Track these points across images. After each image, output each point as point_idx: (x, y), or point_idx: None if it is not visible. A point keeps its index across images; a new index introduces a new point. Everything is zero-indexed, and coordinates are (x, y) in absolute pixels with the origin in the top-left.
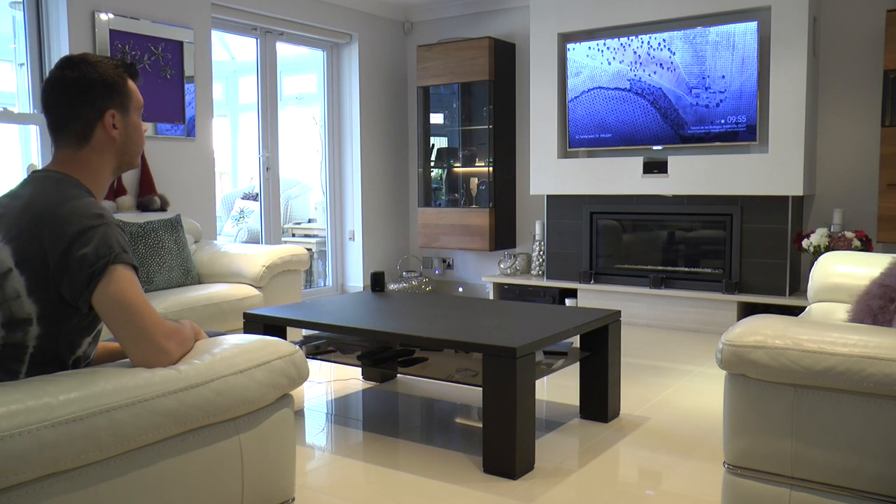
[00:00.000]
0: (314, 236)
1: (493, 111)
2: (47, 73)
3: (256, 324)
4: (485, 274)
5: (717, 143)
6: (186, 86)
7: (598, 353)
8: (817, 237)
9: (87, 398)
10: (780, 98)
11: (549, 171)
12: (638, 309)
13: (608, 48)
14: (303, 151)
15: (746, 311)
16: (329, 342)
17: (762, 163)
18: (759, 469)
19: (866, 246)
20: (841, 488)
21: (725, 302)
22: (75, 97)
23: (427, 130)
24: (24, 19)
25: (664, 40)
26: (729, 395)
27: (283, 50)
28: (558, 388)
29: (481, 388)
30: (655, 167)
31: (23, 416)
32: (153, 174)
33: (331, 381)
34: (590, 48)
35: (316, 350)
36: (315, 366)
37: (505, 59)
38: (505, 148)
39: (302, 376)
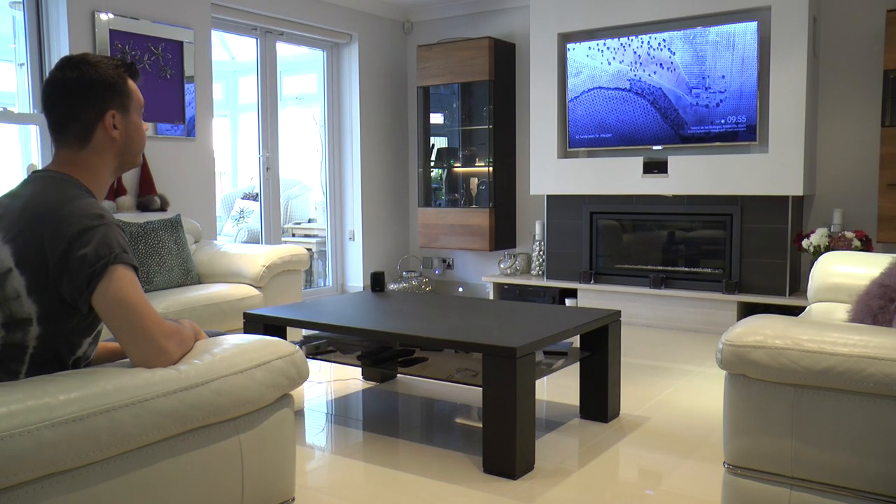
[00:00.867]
0: (314, 236)
1: (493, 111)
2: (47, 74)
3: (256, 324)
4: (485, 274)
5: (717, 143)
6: (186, 86)
7: (598, 353)
8: (817, 237)
9: (87, 398)
10: (780, 98)
11: (549, 171)
12: (638, 309)
13: (608, 48)
14: (303, 151)
15: (746, 311)
16: (329, 342)
17: (762, 163)
18: (759, 469)
19: (866, 246)
20: (841, 488)
21: (725, 302)
22: (75, 98)
23: (427, 130)
24: (24, 19)
25: (664, 40)
26: (729, 395)
27: (283, 50)
28: (558, 388)
29: (481, 388)
30: (655, 167)
31: (23, 416)
32: (153, 174)
33: (331, 381)
34: (590, 48)
35: (316, 350)
36: (315, 366)
37: (505, 59)
38: (505, 148)
39: (302, 376)
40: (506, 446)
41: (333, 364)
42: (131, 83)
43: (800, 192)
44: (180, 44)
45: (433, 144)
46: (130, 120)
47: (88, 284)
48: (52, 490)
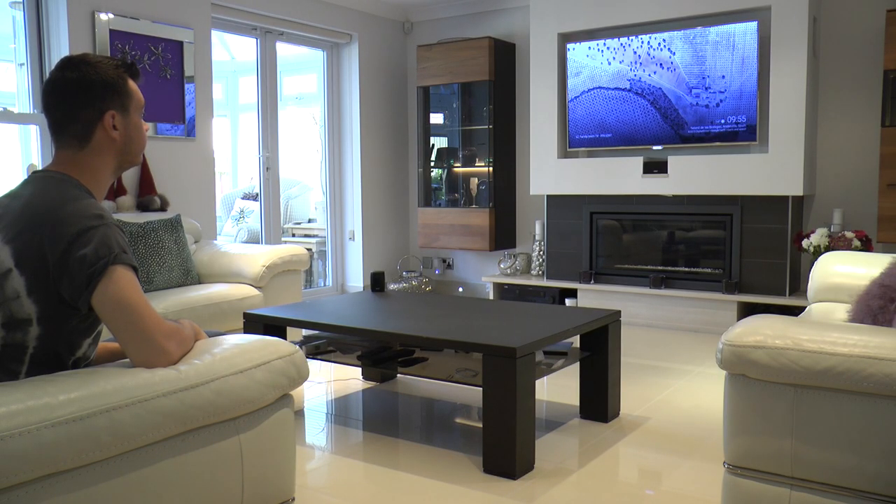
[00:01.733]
0: (314, 236)
1: (493, 111)
2: (47, 74)
3: (256, 324)
4: (485, 274)
5: (717, 143)
6: (186, 86)
7: (598, 353)
8: (817, 237)
9: (87, 398)
10: (780, 98)
11: (549, 171)
12: (638, 309)
13: (608, 48)
14: (303, 151)
15: (746, 311)
16: (329, 342)
17: (762, 163)
18: (759, 469)
19: (866, 246)
20: (841, 488)
21: (725, 302)
22: (75, 98)
23: (427, 130)
24: (24, 19)
25: (664, 40)
26: (729, 395)
27: (283, 50)
28: (558, 388)
29: (481, 388)
30: (655, 167)
31: (23, 416)
32: (153, 174)
33: (331, 381)
34: (590, 48)
35: (316, 350)
36: (315, 366)
37: (505, 59)
38: (505, 148)
39: (302, 376)
40: (506, 446)
41: (333, 364)
42: (131, 83)
43: (800, 192)
44: (180, 44)
45: (433, 144)
46: (130, 120)
47: (88, 285)
48: (52, 490)
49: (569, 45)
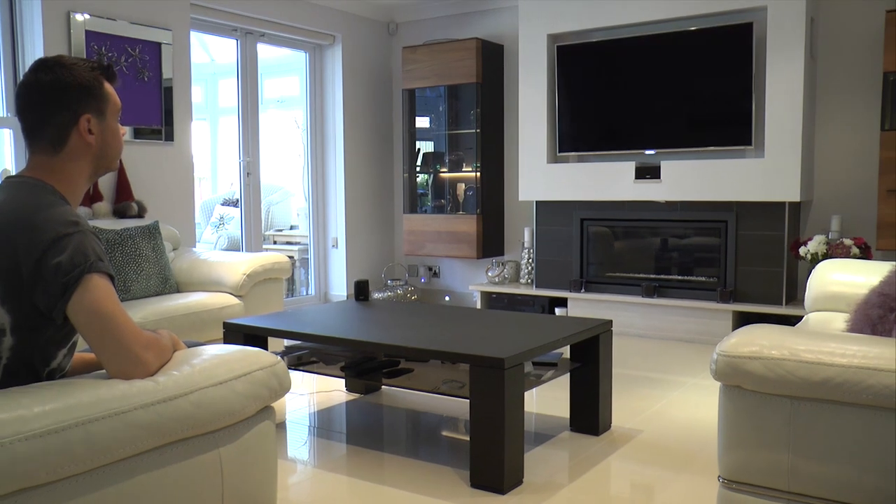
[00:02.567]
0: (296, 243)
1: (481, 114)
2: (21, 76)
3: (237, 334)
4: (472, 282)
5: (712, 148)
6: (165, 88)
7: (589, 364)
8: (815, 244)
9: (62, 410)
10: (777, 101)
11: (538, 177)
12: (630, 318)
13: (599, 49)
14: (284, 156)
15: (742, 320)
16: (312, 353)
17: (758, 168)
18: (754, 483)
19: (865, 254)
20: (839, 503)
21: (720, 311)
22: (50, 102)
23: (413, 134)
24: None
25: (657, 41)
26: (724, 407)
27: (264, 51)
28: (548, 400)
29: (468, 401)
30: (648, 172)
31: None
32: (130, 180)
33: (313, 393)
34: (580, 49)
35: (298, 361)
36: (297, 377)
37: (493, 60)
38: (493, 152)
39: (284, 388)
40: (494, 460)
41: (316, 375)
42: (108, 86)
43: (797, 198)
44: (158, 45)
45: (419, 149)
46: (107, 124)
47: (63, 294)
48: None
49: (559, 46)
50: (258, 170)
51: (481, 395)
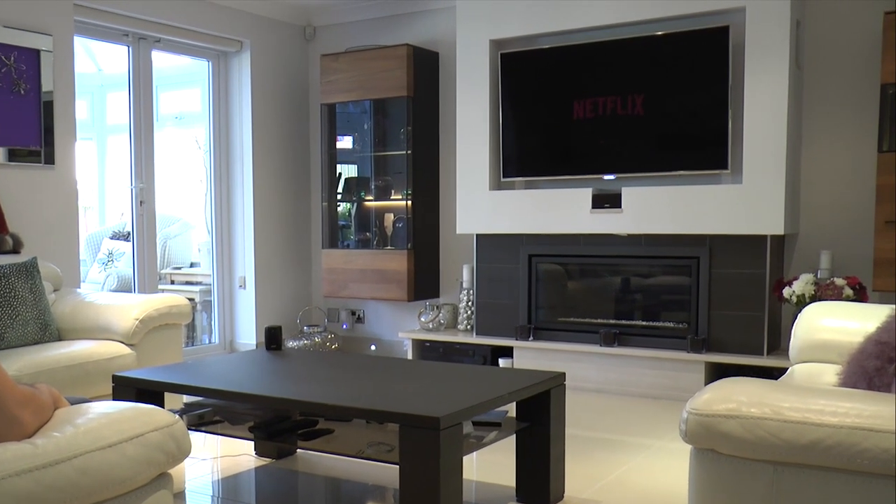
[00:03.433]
0: (197, 283)
1: (413, 133)
2: None
3: (128, 388)
4: (402, 329)
5: (682, 172)
6: (44, 103)
7: (539, 423)
8: (801, 285)
9: None
10: (757, 117)
11: (479, 206)
12: (586, 371)
13: (551, 58)
14: (184, 182)
15: (716, 373)
16: (215, 411)
17: (735, 195)
18: None
19: (860, 295)
20: None
21: (691, 362)
22: None
23: (333, 157)
24: None
25: (619, 48)
26: (695, 474)
27: (160, 60)
28: (491, 465)
29: (398, 466)
30: (607, 200)
31: None
32: (4, 209)
33: (217, 458)
34: (528, 57)
35: (200, 420)
36: (198, 439)
37: (426, 70)
38: (426, 178)
39: (183, 451)
40: None
41: (221, 437)
42: None
43: (780, 231)
44: (37, 53)
45: (340, 173)
46: None
47: None
48: None
49: (503, 54)
50: (153, 198)
51: (413, 459)
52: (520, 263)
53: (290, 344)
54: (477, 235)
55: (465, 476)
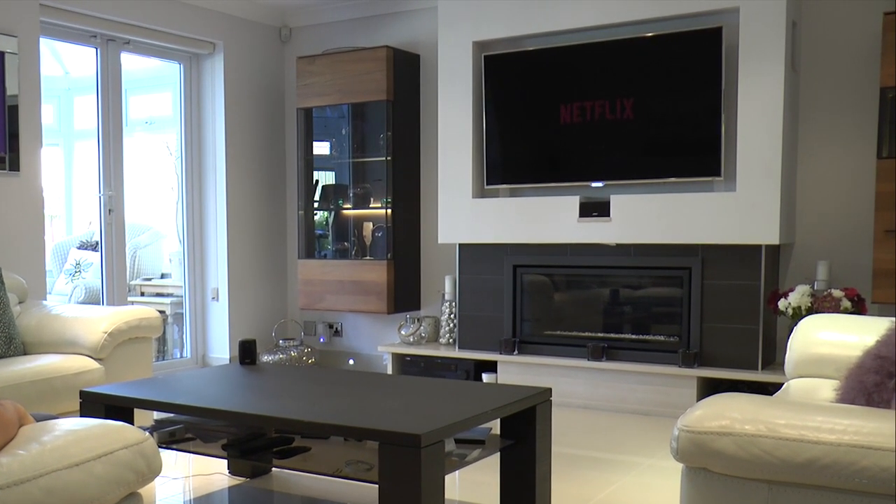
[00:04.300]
0: (168, 295)
1: (393, 139)
2: None
3: (96, 404)
4: (382, 342)
5: (673, 179)
6: (9, 107)
7: (524, 441)
8: (797, 297)
9: None
10: (751, 122)
11: (461, 215)
12: (573, 386)
13: (536, 60)
14: (154, 189)
15: (709, 388)
16: (187, 428)
17: (728, 203)
18: None
19: (858, 307)
20: None
21: (683, 377)
22: None
23: (310, 163)
24: None
25: (607, 50)
26: (687, 493)
27: (130, 62)
28: (474, 484)
29: (377, 486)
30: (595, 209)
31: None
32: None
33: (190, 477)
34: (513, 59)
35: (171, 437)
36: (169, 457)
37: (407, 73)
38: (407, 185)
39: (153, 470)
40: None
41: (193, 455)
42: None
43: (775, 241)
44: (1, 55)
45: (317, 180)
46: None
47: None
48: None
49: (487, 57)
50: (122, 206)
51: (393, 479)
52: (504, 274)
53: (265, 358)
54: (460, 245)
55: (447, 496)
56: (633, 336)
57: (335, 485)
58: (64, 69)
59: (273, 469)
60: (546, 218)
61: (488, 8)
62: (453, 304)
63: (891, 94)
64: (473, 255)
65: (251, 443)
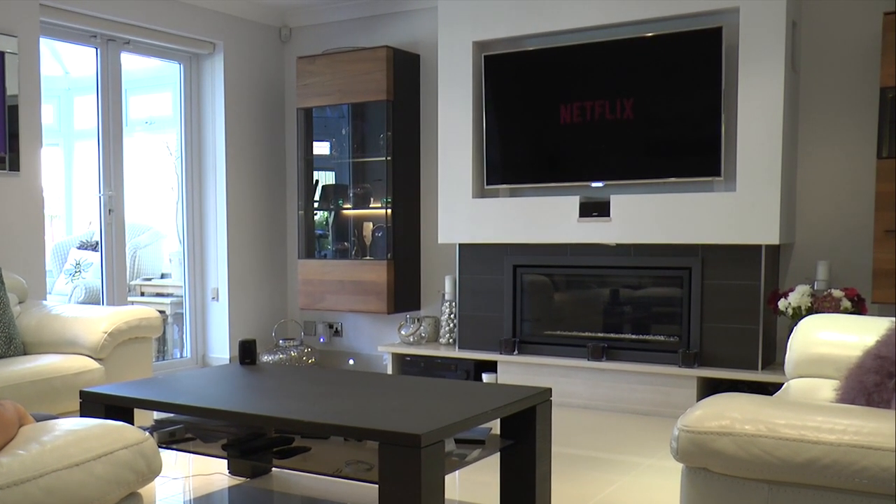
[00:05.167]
0: (168, 295)
1: (393, 139)
2: None
3: (96, 404)
4: (382, 342)
5: (673, 179)
6: (9, 107)
7: (524, 441)
8: (797, 297)
9: None
10: (751, 122)
11: (461, 215)
12: (573, 386)
13: (537, 60)
14: (154, 189)
15: (709, 388)
16: (187, 428)
17: (728, 203)
18: None
19: (858, 307)
20: None
21: (682, 377)
22: None
23: (310, 163)
24: None
25: (607, 50)
26: (687, 493)
27: (130, 62)
28: (474, 485)
29: (377, 486)
30: (595, 209)
31: None
32: None
33: (189, 477)
34: (513, 59)
35: (171, 437)
36: (169, 457)
37: (407, 73)
38: (407, 185)
39: (153, 470)
40: None
41: (193, 455)
42: None
43: (775, 241)
44: (1, 55)
45: (317, 180)
46: None
47: None
48: None
49: (487, 57)
50: (122, 206)
51: (393, 479)
52: (504, 274)
53: (265, 358)
54: (460, 245)
55: (447, 496)
56: (633, 336)
57: (335, 485)
58: (64, 69)
59: (273, 469)
60: (546, 218)
61: (488, 8)
62: (453, 304)
63: (891, 94)
64: (473, 255)
65: (251, 443)
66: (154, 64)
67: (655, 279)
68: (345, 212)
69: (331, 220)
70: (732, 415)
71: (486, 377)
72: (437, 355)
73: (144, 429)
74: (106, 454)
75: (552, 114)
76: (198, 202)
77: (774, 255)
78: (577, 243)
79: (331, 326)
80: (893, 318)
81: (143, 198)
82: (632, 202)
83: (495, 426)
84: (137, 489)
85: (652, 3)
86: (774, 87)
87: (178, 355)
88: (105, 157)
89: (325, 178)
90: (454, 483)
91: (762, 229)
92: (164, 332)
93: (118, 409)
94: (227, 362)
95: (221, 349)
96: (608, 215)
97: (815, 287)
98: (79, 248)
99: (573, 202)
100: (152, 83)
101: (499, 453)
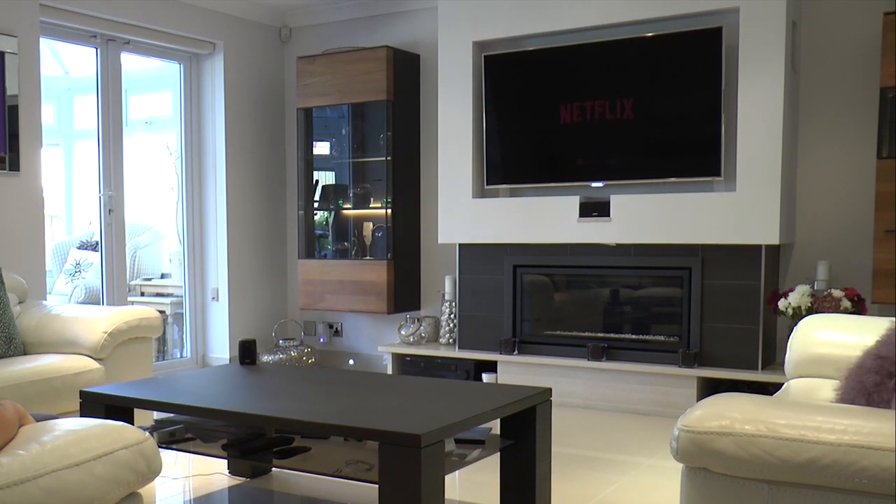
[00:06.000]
0: (168, 296)
1: (393, 139)
2: None
3: (96, 404)
4: (382, 342)
5: (673, 179)
6: (9, 107)
7: (524, 441)
8: (797, 297)
9: None
10: (751, 122)
11: (461, 215)
12: (573, 386)
13: (536, 60)
14: (154, 189)
15: (709, 388)
16: (187, 428)
17: (728, 203)
18: None
19: (858, 307)
20: None
21: (682, 377)
22: None
23: (310, 163)
24: None
25: (607, 50)
26: (687, 493)
27: (130, 62)
28: (474, 485)
29: (377, 486)
30: (595, 209)
31: None
32: None
33: (189, 477)
34: (513, 59)
35: (171, 437)
36: (169, 457)
37: (407, 73)
38: (407, 185)
39: (153, 470)
40: None
41: (193, 455)
42: None
43: (775, 241)
44: (1, 55)
45: (317, 180)
46: None
47: None
48: None
49: (487, 57)
50: (122, 206)
51: (392, 479)
52: (504, 274)
53: (265, 358)
54: (460, 245)
55: (447, 496)
56: (633, 336)
57: (335, 485)
58: (64, 69)
59: (273, 469)
60: (546, 218)
61: (488, 8)
62: (453, 304)
63: (891, 94)
64: (473, 255)
65: (251, 443)
66: (154, 64)
67: (655, 279)
68: (345, 212)
69: (331, 220)
70: (732, 415)
71: (486, 377)
72: (437, 355)
73: (144, 429)
74: (106, 454)
75: (552, 114)
76: (198, 202)
77: (774, 255)
78: (577, 243)
79: (331, 326)
80: (893, 318)
81: (143, 198)
82: (632, 202)
83: (495, 426)
84: (137, 489)
85: (652, 3)
86: (774, 87)
87: (178, 355)
88: (105, 157)
89: (325, 178)
90: (454, 483)
91: (762, 229)
92: (164, 332)
93: (118, 409)
94: (227, 362)
95: (221, 349)
96: (608, 215)
97: (815, 287)
98: (79, 248)
99: (573, 202)
100: (152, 83)
101: (499, 453)
